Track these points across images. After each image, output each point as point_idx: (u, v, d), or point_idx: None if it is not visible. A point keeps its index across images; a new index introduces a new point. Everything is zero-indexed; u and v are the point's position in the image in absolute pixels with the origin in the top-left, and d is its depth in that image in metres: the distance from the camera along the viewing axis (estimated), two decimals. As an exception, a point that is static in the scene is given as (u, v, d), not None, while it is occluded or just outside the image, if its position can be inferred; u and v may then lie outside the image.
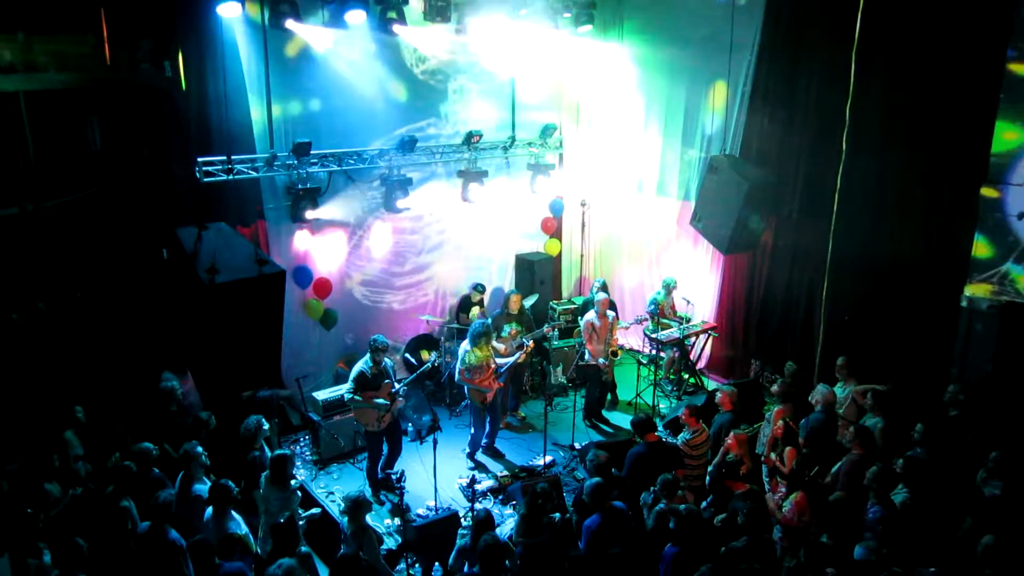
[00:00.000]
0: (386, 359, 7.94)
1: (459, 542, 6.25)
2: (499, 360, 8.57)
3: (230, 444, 7.02)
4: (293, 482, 6.40)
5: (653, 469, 6.78)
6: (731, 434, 6.94)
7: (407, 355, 10.08)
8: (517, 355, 8.72)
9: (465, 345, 8.44)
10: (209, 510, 5.89)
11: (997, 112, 7.41)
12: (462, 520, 7.21)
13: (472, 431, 8.69)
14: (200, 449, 6.33)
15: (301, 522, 6.36)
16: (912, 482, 5.94)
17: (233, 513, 5.88)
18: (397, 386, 7.91)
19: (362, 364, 7.83)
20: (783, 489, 6.31)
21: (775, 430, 6.81)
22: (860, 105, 7.22)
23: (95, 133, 9.02)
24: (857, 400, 7.46)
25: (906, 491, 5.93)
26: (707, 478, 7.10)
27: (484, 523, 5.81)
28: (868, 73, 7.59)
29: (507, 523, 7.48)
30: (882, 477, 5.77)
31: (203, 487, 6.21)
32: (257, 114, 8.64)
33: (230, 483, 5.95)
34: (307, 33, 8.69)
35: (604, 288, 10.26)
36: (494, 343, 9.18)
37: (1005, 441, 6.44)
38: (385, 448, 8.14)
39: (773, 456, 6.67)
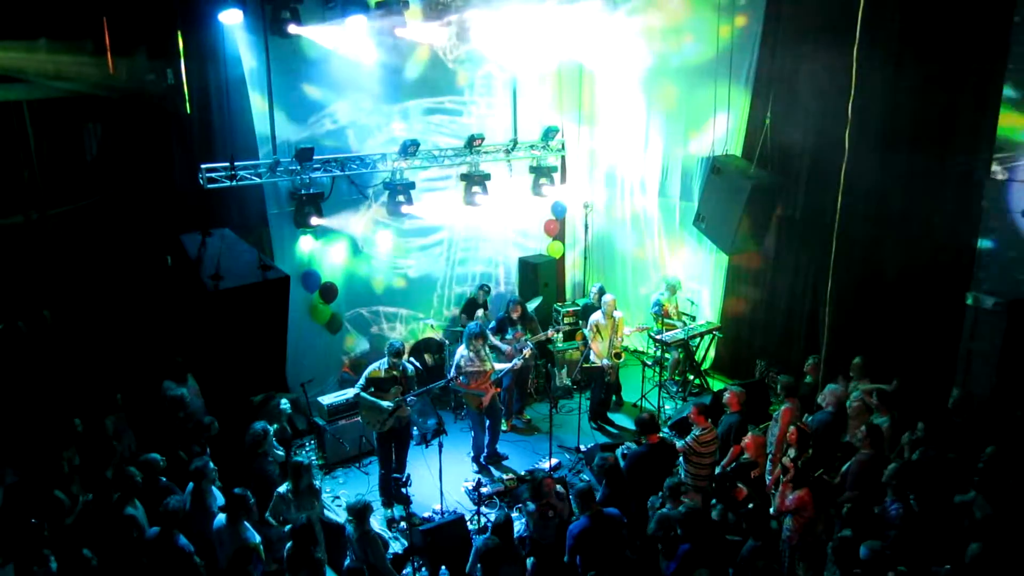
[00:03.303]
0: (408, 364, 7.88)
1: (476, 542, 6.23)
2: (497, 365, 8.56)
3: (236, 451, 7.02)
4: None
5: (654, 469, 6.77)
6: (749, 435, 6.91)
7: (410, 359, 10.07)
8: (515, 361, 8.68)
9: (461, 350, 8.43)
10: (222, 519, 5.86)
11: (1000, 109, 7.39)
12: (468, 523, 7.20)
13: (473, 435, 8.68)
14: (212, 465, 6.32)
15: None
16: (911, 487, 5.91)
17: (246, 523, 5.86)
18: (411, 396, 7.74)
19: (377, 364, 7.82)
20: (790, 496, 6.27)
21: (789, 436, 6.73)
22: (863, 103, 7.18)
23: (98, 141, 9.06)
24: (865, 399, 7.44)
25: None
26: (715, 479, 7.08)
27: (504, 526, 5.75)
28: (870, 71, 7.55)
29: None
30: (901, 474, 5.73)
31: (214, 501, 6.21)
32: (259, 119, 8.68)
33: (248, 493, 5.96)
34: (308, 37, 8.71)
35: (602, 291, 10.24)
36: (498, 343, 9.16)
37: (1009, 441, 6.42)
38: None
39: (786, 460, 6.62)
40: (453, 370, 8.45)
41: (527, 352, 8.81)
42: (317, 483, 6.90)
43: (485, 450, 8.73)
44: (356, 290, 10.08)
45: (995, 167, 7.45)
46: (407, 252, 10.43)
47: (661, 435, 7.23)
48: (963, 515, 5.71)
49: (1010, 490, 5.79)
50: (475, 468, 8.66)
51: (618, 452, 7.35)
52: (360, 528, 5.94)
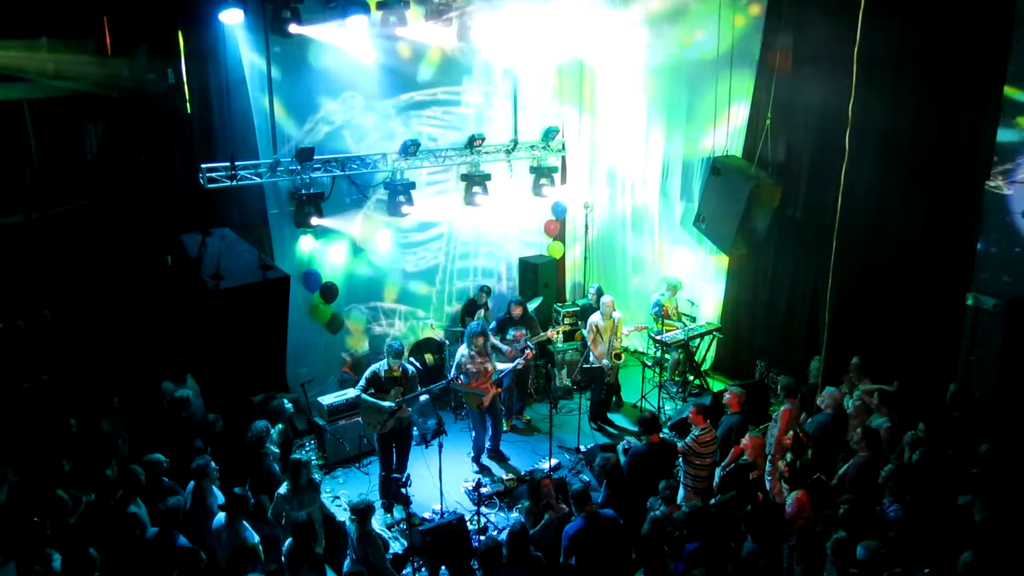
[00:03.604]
0: (408, 365, 7.87)
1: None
2: (499, 365, 8.55)
3: (236, 450, 7.02)
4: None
5: (653, 469, 6.77)
6: (747, 436, 6.91)
7: (410, 359, 10.08)
8: (517, 362, 8.69)
9: (462, 350, 8.43)
10: (221, 517, 5.86)
11: (1000, 111, 7.39)
12: (468, 523, 7.20)
13: (474, 435, 8.69)
14: (214, 464, 6.33)
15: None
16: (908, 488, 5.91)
17: (244, 523, 5.86)
18: (412, 396, 7.75)
19: (377, 364, 7.81)
20: (789, 500, 6.27)
21: (785, 441, 6.74)
22: (863, 105, 7.20)
23: (98, 140, 9.06)
24: (865, 400, 7.44)
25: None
26: (715, 479, 7.08)
27: (520, 535, 5.70)
28: (871, 73, 7.57)
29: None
30: (897, 476, 5.73)
31: (214, 500, 6.21)
32: (259, 119, 8.68)
33: (248, 493, 5.94)
34: (309, 36, 8.71)
35: (600, 292, 10.25)
36: (499, 344, 9.16)
37: (1009, 441, 6.41)
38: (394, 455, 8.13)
39: (782, 465, 6.63)
40: (454, 369, 8.45)
41: (529, 354, 8.82)
42: (317, 478, 6.91)
43: (488, 444, 8.74)
44: (356, 289, 10.08)
45: (996, 179, 7.44)
46: (407, 251, 10.43)
47: (661, 435, 7.23)
48: (964, 516, 5.70)
49: (1009, 492, 5.78)
50: (475, 468, 8.66)
51: (619, 448, 7.36)
52: (361, 528, 5.95)
